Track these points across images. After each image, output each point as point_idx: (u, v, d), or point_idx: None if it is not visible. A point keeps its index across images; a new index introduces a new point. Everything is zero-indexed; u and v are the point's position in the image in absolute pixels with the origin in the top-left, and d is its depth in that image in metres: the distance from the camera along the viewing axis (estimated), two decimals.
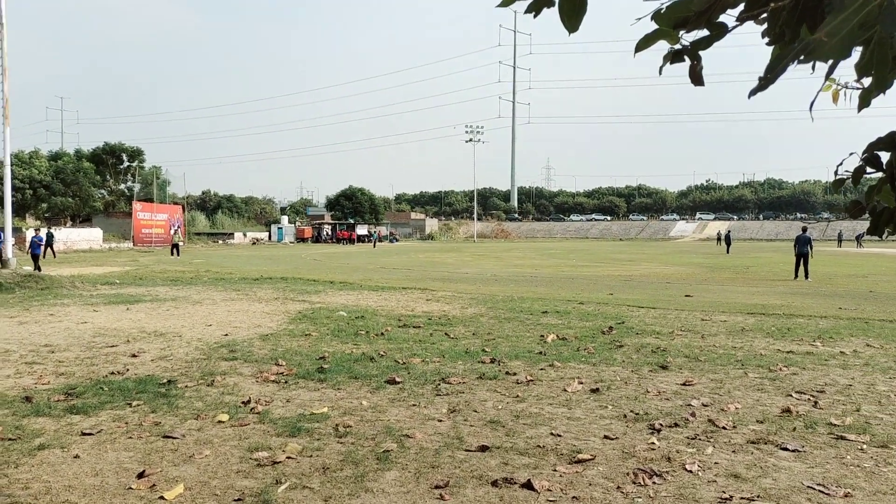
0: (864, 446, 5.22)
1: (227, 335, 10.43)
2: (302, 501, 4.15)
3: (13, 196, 29.07)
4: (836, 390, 7.01)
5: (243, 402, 6.41)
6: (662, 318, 12.49)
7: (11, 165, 24.40)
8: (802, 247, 23.02)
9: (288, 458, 4.89)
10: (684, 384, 7.29)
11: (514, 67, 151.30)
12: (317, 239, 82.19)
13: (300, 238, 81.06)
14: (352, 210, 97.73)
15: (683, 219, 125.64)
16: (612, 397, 6.74)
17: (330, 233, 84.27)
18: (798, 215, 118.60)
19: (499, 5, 1.97)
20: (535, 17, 1.93)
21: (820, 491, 4.33)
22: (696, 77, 1.86)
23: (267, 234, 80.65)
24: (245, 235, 74.66)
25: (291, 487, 4.38)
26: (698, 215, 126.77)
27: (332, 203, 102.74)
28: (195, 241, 64.13)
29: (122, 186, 74.24)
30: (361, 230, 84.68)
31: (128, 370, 7.85)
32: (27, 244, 29.89)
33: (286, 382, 7.27)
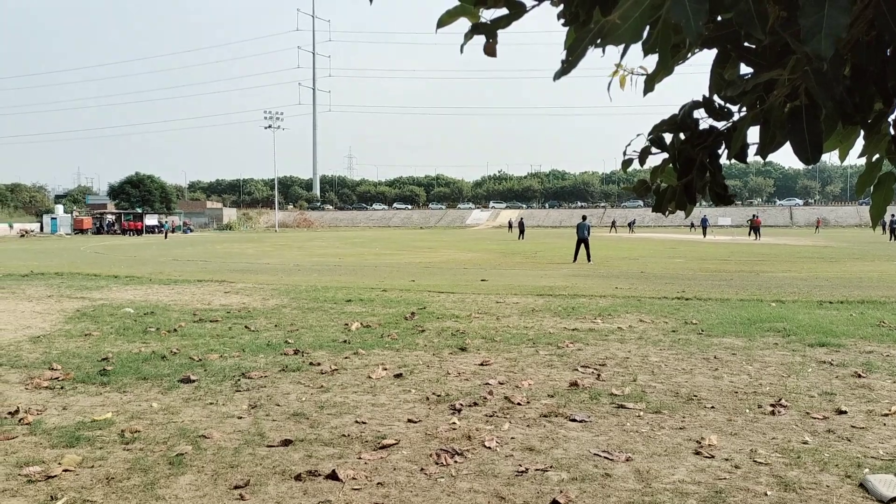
0: (641, 413, 5.73)
1: None
2: None
3: None
4: (616, 363, 7.65)
5: (10, 413, 5.69)
6: (461, 302, 12.92)
7: None
8: (582, 232, 25.02)
9: (65, 471, 4.40)
10: (482, 364, 7.58)
11: (314, 54, 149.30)
12: (98, 230, 75.78)
13: (79, 230, 74.21)
14: (139, 199, 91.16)
15: (478, 207, 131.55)
16: (414, 381, 6.83)
17: (114, 223, 78.00)
18: (579, 204, 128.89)
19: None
20: None
21: (605, 457, 4.68)
22: (490, 51, 1.89)
23: (38, 225, 72.70)
24: (11, 227, 66.72)
25: (69, 503, 3.93)
26: (492, 204, 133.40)
27: (116, 191, 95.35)
28: None
29: None
30: (151, 220, 79.42)
31: None
32: None
33: (62, 388, 6.55)
